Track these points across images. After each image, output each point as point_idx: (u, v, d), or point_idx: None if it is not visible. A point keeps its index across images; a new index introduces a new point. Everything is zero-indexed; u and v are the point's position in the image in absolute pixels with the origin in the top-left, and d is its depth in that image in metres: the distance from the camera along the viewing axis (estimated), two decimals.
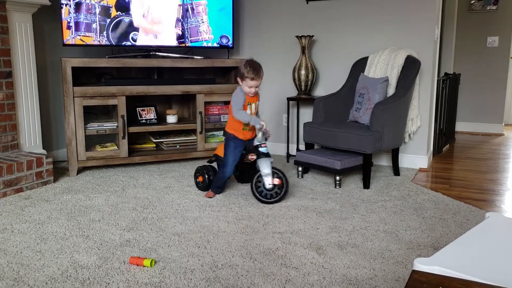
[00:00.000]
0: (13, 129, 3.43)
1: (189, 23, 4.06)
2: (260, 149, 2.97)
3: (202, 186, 3.21)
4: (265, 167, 2.93)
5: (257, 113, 3.12)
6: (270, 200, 2.94)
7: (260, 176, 2.96)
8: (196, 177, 3.27)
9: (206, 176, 3.18)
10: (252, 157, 3.04)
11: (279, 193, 2.95)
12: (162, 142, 4.10)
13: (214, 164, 3.32)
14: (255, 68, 2.92)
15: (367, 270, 2.04)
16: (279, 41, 4.40)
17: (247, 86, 2.94)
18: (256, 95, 3.07)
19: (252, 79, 2.91)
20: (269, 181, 2.92)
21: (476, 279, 1.16)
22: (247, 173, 3.30)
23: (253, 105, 3.05)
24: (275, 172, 2.97)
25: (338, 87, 3.96)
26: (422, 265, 1.27)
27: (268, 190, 2.94)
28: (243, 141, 3.06)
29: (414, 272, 1.18)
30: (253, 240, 2.36)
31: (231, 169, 3.08)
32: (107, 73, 4.02)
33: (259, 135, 2.97)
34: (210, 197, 3.08)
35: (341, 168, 3.25)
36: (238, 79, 2.98)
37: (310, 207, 2.89)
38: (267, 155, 2.96)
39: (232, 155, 3.06)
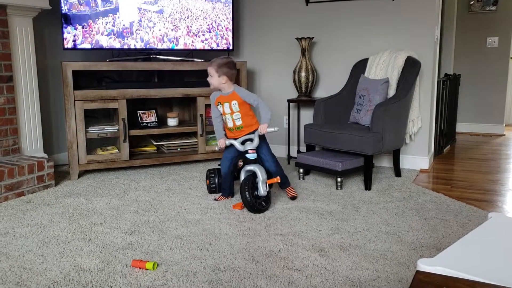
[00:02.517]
0: (14, 133, 3.43)
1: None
2: (246, 155, 2.92)
3: (210, 189, 3.19)
4: (242, 177, 2.90)
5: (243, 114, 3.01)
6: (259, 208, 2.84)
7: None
8: (206, 180, 3.26)
9: (211, 180, 3.17)
10: (240, 163, 3.02)
11: (264, 205, 2.84)
12: (163, 145, 4.09)
13: None
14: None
15: (369, 271, 2.04)
16: (279, 43, 4.40)
17: None
18: (234, 93, 2.93)
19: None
20: (242, 195, 2.82)
21: (480, 279, 1.16)
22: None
23: (225, 104, 2.94)
24: (251, 183, 2.82)
25: (339, 89, 3.96)
26: (426, 265, 1.27)
27: (257, 197, 2.84)
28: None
29: (418, 272, 1.18)
30: (255, 242, 2.36)
31: (224, 165, 3.05)
32: (108, 77, 4.02)
33: (236, 146, 2.94)
34: (217, 200, 3.06)
35: (342, 169, 3.25)
36: None
37: (311, 209, 2.89)
38: (254, 161, 2.91)
39: (224, 153, 3.07)
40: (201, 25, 4.09)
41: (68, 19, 3.60)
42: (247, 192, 2.77)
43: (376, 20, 3.96)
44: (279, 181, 2.94)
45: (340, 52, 4.15)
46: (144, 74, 4.18)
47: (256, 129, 2.95)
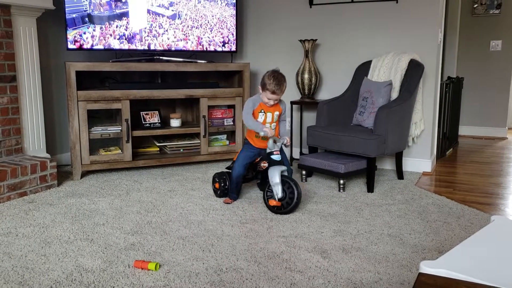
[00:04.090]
0: (17, 133, 3.44)
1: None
2: (272, 156, 2.90)
3: (218, 193, 3.16)
4: (273, 177, 2.83)
5: (279, 123, 3.08)
6: (280, 211, 2.82)
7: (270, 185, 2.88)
8: (213, 184, 3.22)
9: (222, 184, 3.14)
10: (264, 164, 2.97)
11: (290, 203, 2.81)
12: (165, 146, 4.10)
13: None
14: (278, 82, 2.85)
15: (372, 273, 2.04)
16: (282, 45, 4.41)
17: (266, 97, 2.90)
18: (277, 104, 2.99)
19: (273, 92, 2.85)
20: (278, 192, 2.81)
21: (482, 281, 1.16)
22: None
23: (269, 114, 2.98)
24: (287, 182, 2.84)
25: (342, 91, 3.96)
26: (429, 268, 1.27)
27: (279, 199, 2.83)
28: (257, 148, 3.05)
29: (420, 274, 1.18)
30: (258, 244, 2.36)
31: (238, 168, 3.04)
32: (111, 77, 4.03)
33: (269, 142, 2.92)
34: (228, 203, 3.04)
35: (345, 171, 3.25)
36: (259, 87, 2.95)
37: (314, 211, 2.89)
38: (279, 162, 2.89)
39: (241, 157, 3.06)
40: (215, 36, 4.10)
41: (91, 19, 3.63)
42: (284, 193, 2.82)
43: (380, 23, 3.96)
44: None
45: (343, 54, 4.15)
46: (148, 75, 4.18)
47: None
